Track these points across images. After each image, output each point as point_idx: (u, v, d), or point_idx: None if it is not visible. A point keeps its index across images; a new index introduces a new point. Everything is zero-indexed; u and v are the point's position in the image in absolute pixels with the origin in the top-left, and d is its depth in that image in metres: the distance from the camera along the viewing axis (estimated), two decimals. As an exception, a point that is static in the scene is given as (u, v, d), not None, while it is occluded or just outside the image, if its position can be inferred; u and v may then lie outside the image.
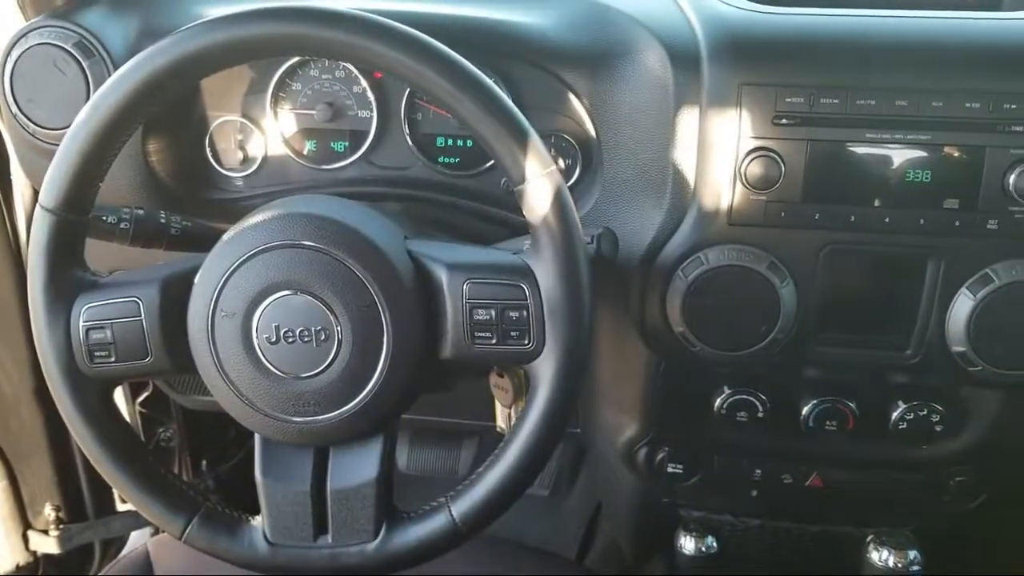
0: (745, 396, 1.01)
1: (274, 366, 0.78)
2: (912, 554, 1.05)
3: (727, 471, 1.12)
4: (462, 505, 0.80)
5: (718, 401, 1.03)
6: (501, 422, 1.06)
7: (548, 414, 0.78)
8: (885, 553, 1.05)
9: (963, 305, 0.88)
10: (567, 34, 1.00)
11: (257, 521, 0.84)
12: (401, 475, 1.71)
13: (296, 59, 1.04)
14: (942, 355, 0.91)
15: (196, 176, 1.09)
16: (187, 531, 0.83)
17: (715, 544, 1.16)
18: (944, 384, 0.98)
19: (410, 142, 1.05)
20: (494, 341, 0.78)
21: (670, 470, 1.12)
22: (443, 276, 0.78)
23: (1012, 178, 0.85)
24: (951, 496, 1.08)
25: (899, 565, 1.05)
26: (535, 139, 0.76)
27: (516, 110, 0.76)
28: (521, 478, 0.80)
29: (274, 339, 0.77)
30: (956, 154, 0.86)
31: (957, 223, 0.87)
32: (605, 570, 1.56)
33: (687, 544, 1.16)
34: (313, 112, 1.06)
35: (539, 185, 0.75)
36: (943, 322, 0.90)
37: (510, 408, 1.01)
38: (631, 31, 0.97)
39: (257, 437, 0.83)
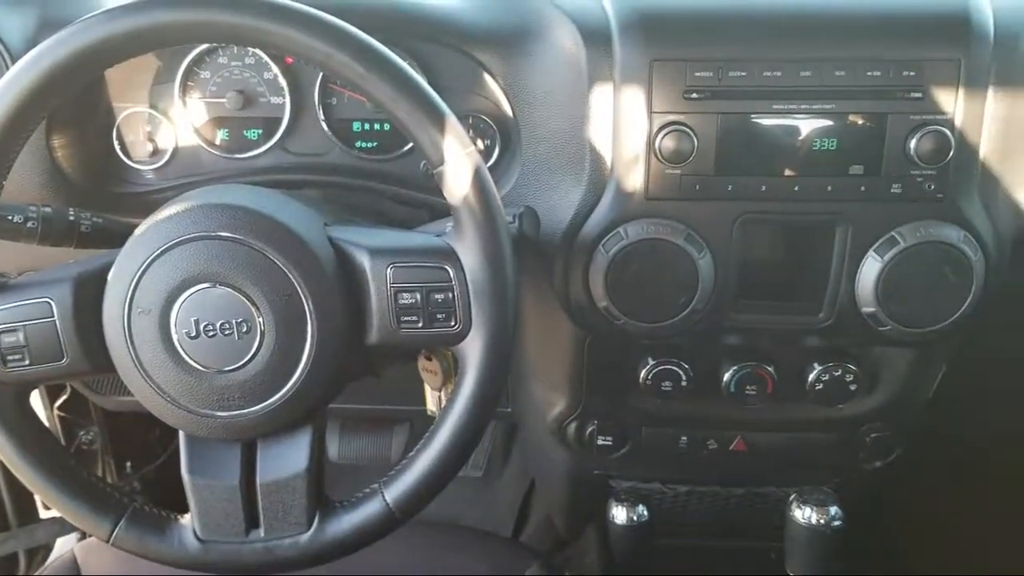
0: (669, 366, 1.04)
1: (195, 361, 0.76)
2: (833, 510, 1.09)
3: (654, 441, 1.14)
4: (395, 490, 0.80)
5: (643, 373, 1.05)
6: (431, 405, 1.06)
7: (477, 394, 0.78)
8: (807, 510, 1.09)
9: (871, 267, 0.92)
10: (479, 14, 1.00)
11: (186, 519, 0.83)
12: (333, 465, 1.69)
13: (204, 46, 1.02)
14: (853, 317, 0.95)
15: (104, 170, 1.06)
16: (114, 533, 0.81)
17: (646, 512, 1.18)
18: (856, 345, 1.02)
19: (325, 128, 1.04)
20: (420, 324, 0.78)
21: (599, 443, 1.14)
22: (366, 261, 0.78)
23: (913, 143, 0.88)
24: (867, 453, 1.12)
25: (821, 521, 1.08)
26: (452, 120, 0.75)
27: (431, 91, 0.75)
28: (453, 459, 0.80)
29: (194, 334, 0.76)
30: (860, 122, 0.89)
31: (863, 188, 0.90)
32: (540, 545, 1.58)
33: (619, 514, 1.19)
34: (223, 100, 1.03)
35: (458, 166, 0.75)
36: (853, 285, 0.93)
37: (440, 391, 1.01)
38: (543, 10, 0.97)
39: (182, 434, 0.81)
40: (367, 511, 0.81)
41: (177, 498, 0.84)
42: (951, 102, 0.87)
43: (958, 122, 0.88)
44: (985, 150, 0.90)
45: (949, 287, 0.91)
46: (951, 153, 0.88)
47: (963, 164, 0.89)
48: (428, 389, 1.05)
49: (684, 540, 1.36)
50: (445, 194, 0.77)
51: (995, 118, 0.89)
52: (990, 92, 0.88)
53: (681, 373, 1.04)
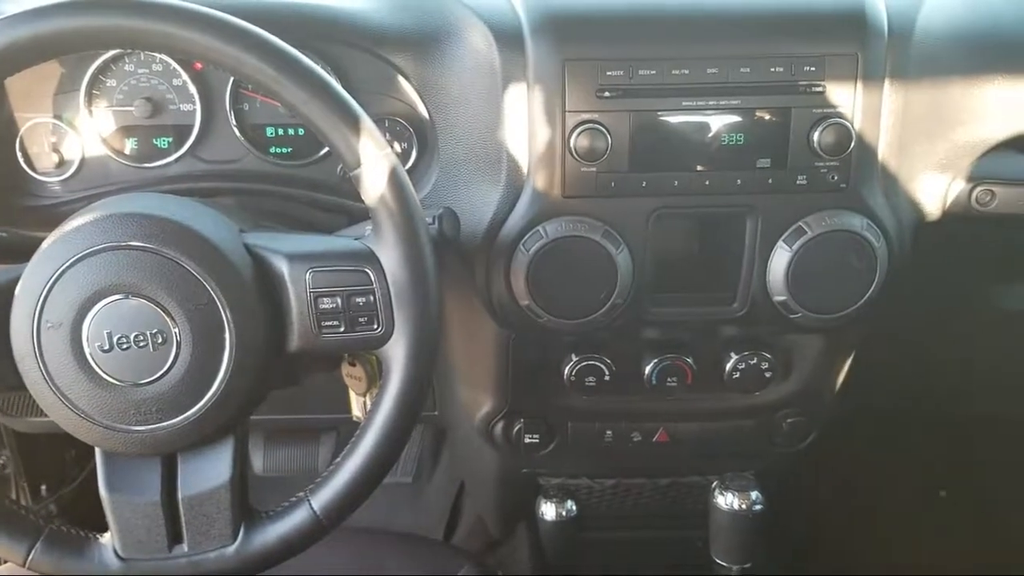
0: (592, 362, 1.05)
1: (109, 375, 0.74)
2: (754, 494, 1.12)
3: (581, 436, 1.16)
4: (322, 497, 0.80)
5: (567, 369, 1.06)
6: (357, 411, 1.06)
7: (402, 397, 0.78)
8: (730, 496, 1.12)
9: (781, 257, 0.95)
10: (391, 16, 1.00)
11: (106, 538, 0.81)
12: (260, 479, 1.66)
13: (110, 53, 0.99)
14: (766, 306, 0.98)
15: (8, 183, 1.02)
16: (31, 556, 0.79)
17: (574, 508, 1.20)
18: (770, 333, 1.05)
19: (238, 134, 1.02)
20: (342, 329, 0.78)
21: (527, 441, 1.15)
22: (284, 267, 0.77)
23: (816, 135, 0.91)
24: (784, 438, 1.16)
25: (743, 506, 1.11)
26: (367, 122, 0.75)
27: (345, 94, 0.75)
28: (379, 464, 0.80)
29: (107, 347, 0.74)
30: (765, 116, 0.92)
31: (770, 181, 0.93)
32: (472, 547, 1.59)
33: (547, 511, 1.20)
34: (131, 108, 1.01)
35: (375, 168, 0.75)
36: (764, 275, 0.96)
37: (365, 396, 1.01)
38: (455, 11, 0.98)
39: (98, 451, 0.79)
40: (293, 520, 0.80)
41: (97, 518, 0.81)
42: (850, 95, 0.91)
43: (858, 115, 0.91)
44: (884, 141, 0.94)
45: (854, 274, 0.94)
46: (852, 145, 0.91)
47: (864, 155, 0.93)
48: (353, 395, 1.04)
49: (613, 533, 1.38)
50: (363, 197, 0.77)
51: (892, 110, 0.93)
52: (886, 85, 0.92)
53: (604, 368, 1.05)
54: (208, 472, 0.80)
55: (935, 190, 0.97)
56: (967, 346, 1.22)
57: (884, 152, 0.94)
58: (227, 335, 0.75)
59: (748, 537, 1.13)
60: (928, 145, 0.95)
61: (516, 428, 1.15)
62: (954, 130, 0.95)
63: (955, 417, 1.53)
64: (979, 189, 0.95)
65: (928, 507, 1.71)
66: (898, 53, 0.93)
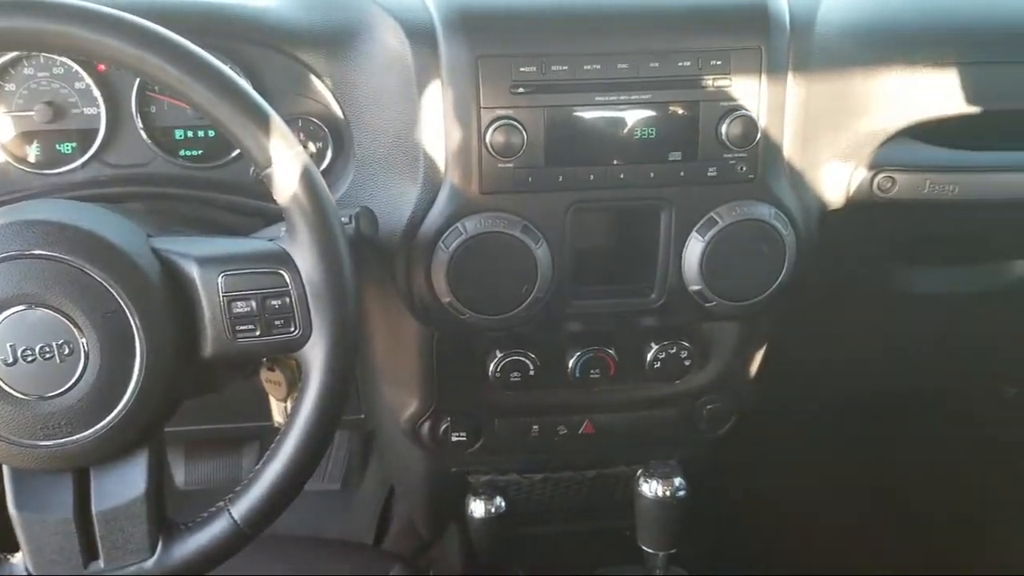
0: (516, 357, 1.06)
1: (14, 389, 0.72)
2: (677, 481, 1.14)
3: (508, 431, 1.16)
4: (242, 506, 0.78)
5: (492, 365, 1.06)
6: (278, 417, 1.03)
7: (322, 400, 0.77)
8: (654, 484, 1.14)
9: (694, 247, 0.97)
10: (300, 14, 0.99)
11: (17, 558, 0.78)
12: (183, 493, 1.62)
13: (7, 57, 0.96)
14: (682, 295, 1.00)
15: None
16: None
17: (503, 504, 1.20)
18: (688, 322, 1.07)
19: (145, 137, 0.99)
20: (258, 333, 0.77)
21: (454, 439, 1.15)
22: (195, 271, 0.76)
23: (724, 128, 0.93)
24: (705, 424, 1.18)
25: (667, 493, 1.14)
26: (276, 120, 0.74)
27: (252, 92, 0.74)
28: (301, 468, 0.79)
29: (11, 360, 0.71)
30: (675, 110, 0.94)
31: (682, 173, 0.95)
32: (403, 549, 1.58)
33: (477, 508, 1.20)
34: (32, 113, 0.97)
35: (286, 167, 0.74)
36: (680, 265, 0.98)
37: (285, 401, 0.99)
38: (366, 9, 0.97)
39: (6, 468, 0.76)
40: (214, 530, 0.78)
41: (6, 537, 0.78)
42: (755, 89, 0.93)
43: (763, 107, 0.94)
44: (789, 132, 0.97)
45: (765, 261, 0.97)
46: (759, 136, 0.94)
47: (770, 146, 0.95)
48: (273, 401, 1.02)
49: (543, 527, 1.39)
50: (275, 197, 0.76)
51: (796, 102, 0.96)
52: (790, 78, 0.95)
53: (528, 363, 1.06)
54: (122, 485, 0.78)
55: (839, 178, 1.00)
56: (874, 329, 1.27)
57: (789, 143, 0.97)
58: (137, 343, 0.73)
59: (673, 523, 1.15)
60: (831, 135, 0.99)
61: (443, 427, 1.15)
62: (855, 120, 0.99)
63: (864, 397, 1.59)
64: (880, 176, 0.99)
65: (843, 485, 1.77)
66: (800, 47, 0.95)
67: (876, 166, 0.99)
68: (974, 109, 0.99)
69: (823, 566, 1.64)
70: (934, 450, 1.81)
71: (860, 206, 1.01)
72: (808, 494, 1.75)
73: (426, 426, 1.15)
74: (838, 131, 0.99)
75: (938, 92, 0.99)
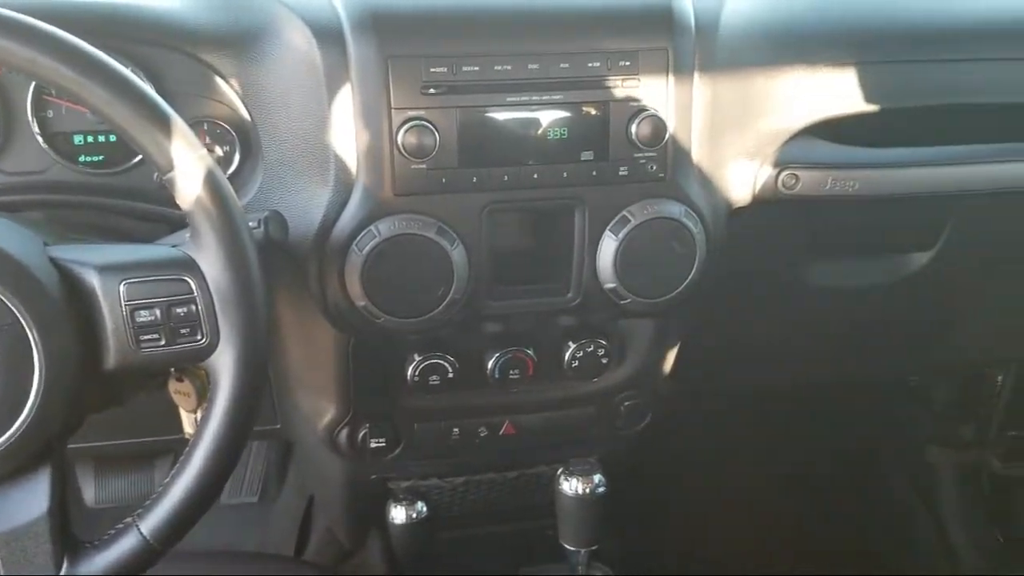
0: (435, 360, 1.05)
1: None
2: (597, 477, 1.15)
3: (428, 436, 1.15)
4: (152, 521, 0.76)
5: (410, 369, 1.05)
6: (189, 429, 1.00)
7: (232, 408, 0.76)
8: (574, 481, 1.15)
9: (608, 246, 0.98)
10: (204, 15, 0.97)
11: None
12: (93, 511, 1.57)
13: None
14: (598, 294, 1.01)
15: None
16: None
17: (425, 509, 1.20)
18: (604, 320, 1.09)
19: (42, 142, 0.95)
20: (163, 342, 0.75)
21: (373, 445, 1.14)
22: (95, 280, 0.73)
23: (634, 128, 0.95)
24: (623, 421, 1.20)
25: (586, 490, 1.14)
26: (177, 122, 0.72)
27: (152, 94, 0.72)
28: (212, 480, 0.76)
29: None
30: (586, 110, 0.94)
31: (594, 173, 0.96)
32: (324, 560, 1.55)
33: (398, 514, 1.19)
34: None
35: (188, 170, 0.72)
36: (594, 263, 0.99)
37: (195, 412, 0.96)
38: (272, 9, 0.95)
39: None
40: (122, 547, 0.75)
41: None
42: (663, 89, 0.95)
43: (671, 107, 0.95)
44: (697, 131, 0.98)
45: (676, 258, 0.99)
46: (667, 136, 0.95)
47: (679, 145, 0.97)
48: (183, 412, 0.99)
49: (466, 531, 1.38)
50: (178, 201, 0.74)
51: (703, 102, 0.98)
52: (696, 78, 0.97)
53: (447, 366, 1.05)
54: (23, 504, 0.74)
55: (745, 176, 1.02)
56: (784, 322, 1.30)
57: (697, 142, 0.99)
58: (35, 356, 0.70)
59: (593, 520, 1.16)
60: (737, 134, 1.01)
61: (361, 434, 1.13)
62: (759, 119, 1.01)
63: (777, 390, 1.63)
64: (784, 173, 1.02)
65: (759, 477, 1.82)
66: (705, 48, 0.97)
67: (780, 164, 1.02)
68: (872, 107, 1.03)
69: (743, 556, 1.68)
70: (846, 440, 1.87)
71: (766, 203, 1.03)
72: (726, 486, 1.79)
73: (344, 433, 1.13)
74: (744, 130, 1.01)
75: (838, 91, 1.02)
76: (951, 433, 1.72)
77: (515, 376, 1.08)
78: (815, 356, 1.40)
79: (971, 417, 1.68)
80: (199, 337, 0.75)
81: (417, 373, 1.05)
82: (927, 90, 1.05)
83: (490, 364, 1.07)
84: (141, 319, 0.73)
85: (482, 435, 1.17)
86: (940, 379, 1.71)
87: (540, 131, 0.94)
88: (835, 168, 1.02)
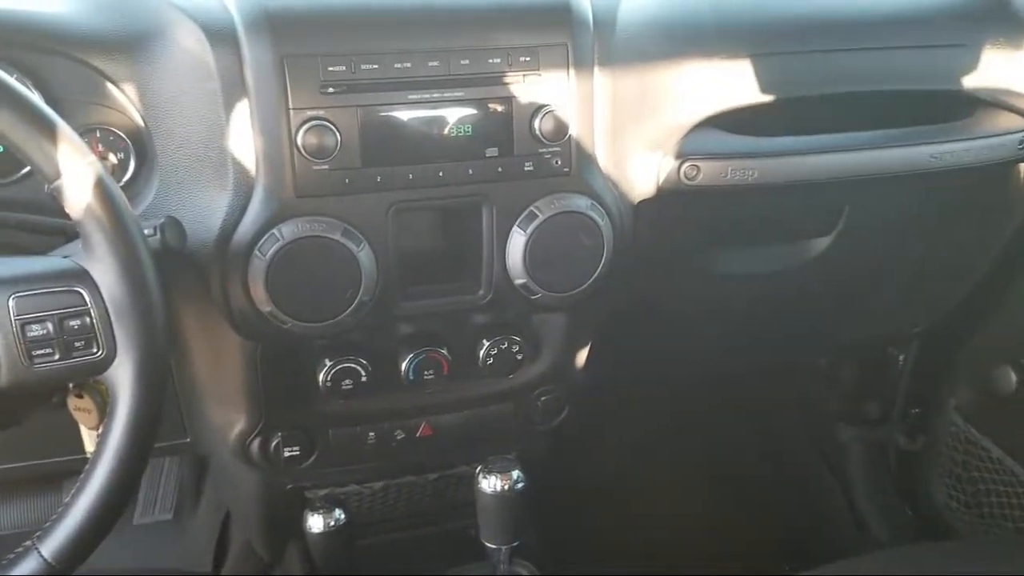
0: (347, 364, 1.03)
1: None
2: (515, 474, 1.15)
3: (343, 441, 1.14)
4: (53, 542, 0.73)
5: (322, 375, 1.04)
6: (91, 447, 0.97)
7: (133, 422, 0.73)
8: (493, 479, 1.14)
9: (517, 242, 0.98)
10: (90, 19, 0.93)
11: None
12: None
13: None
14: (509, 290, 1.01)
15: None
16: None
17: (343, 516, 1.18)
18: (517, 316, 1.09)
19: None
20: (57, 357, 0.72)
21: (287, 454, 1.12)
22: None
23: (537, 123, 0.95)
24: (541, 416, 1.20)
25: (506, 487, 1.14)
26: (64, 129, 0.70)
27: (35, 100, 0.69)
28: (114, 497, 0.74)
29: None
30: (489, 107, 0.94)
31: (500, 169, 0.96)
32: (242, 574, 1.51)
33: (315, 523, 1.17)
34: None
35: (77, 178, 0.69)
36: (504, 260, 0.99)
37: (97, 429, 0.93)
38: (161, 11, 0.93)
39: None
40: (22, 570, 0.73)
41: None
42: (564, 84, 0.96)
43: (572, 101, 0.96)
44: (599, 125, 0.99)
45: (585, 251, 1.00)
46: (570, 130, 0.96)
47: (582, 139, 0.98)
48: (84, 430, 0.96)
49: (388, 536, 1.37)
50: (67, 210, 0.71)
51: (604, 96, 0.99)
52: (596, 72, 0.98)
53: (360, 369, 1.04)
54: None
55: (649, 168, 1.04)
56: (695, 311, 1.32)
57: (601, 135, 1.00)
58: None
59: (513, 516, 1.16)
60: (639, 127, 1.02)
61: (274, 443, 1.11)
62: (660, 112, 1.03)
63: (691, 379, 1.66)
64: (686, 165, 1.03)
65: (676, 464, 1.85)
66: (604, 43, 0.98)
67: (682, 155, 1.03)
68: (768, 98, 1.05)
69: (664, 544, 1.70)
70: (760, 424, 1.92)
71: (670, 194, 1.05)
72: (645, 476, 1.82)
73: (256, 444, 1.11)
74: (645, 123, 1.02)
75: (735, 83, 1.04)
76: (858, 412, 1.78)
77: (430, 376, 1.07)
78: (726, 343, 1.43)
79: (876, 396, 1.74)
80: (95, 350, 0.72)
81: (329, 378, 1.03)
82: (819, 79, 1.08)
83: (404, 365, 1.06)
84: (32, 333, 0.71)
85: (399, 438, 1.16)
86: (846, 360, 1.76)
87: (444, 128, 0.94)
88: (734, 158, 1.04)
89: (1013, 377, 1.40)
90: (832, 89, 1.08)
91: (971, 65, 1.12)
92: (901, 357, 1.68)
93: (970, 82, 1.12)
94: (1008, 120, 1.15)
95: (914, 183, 1.13)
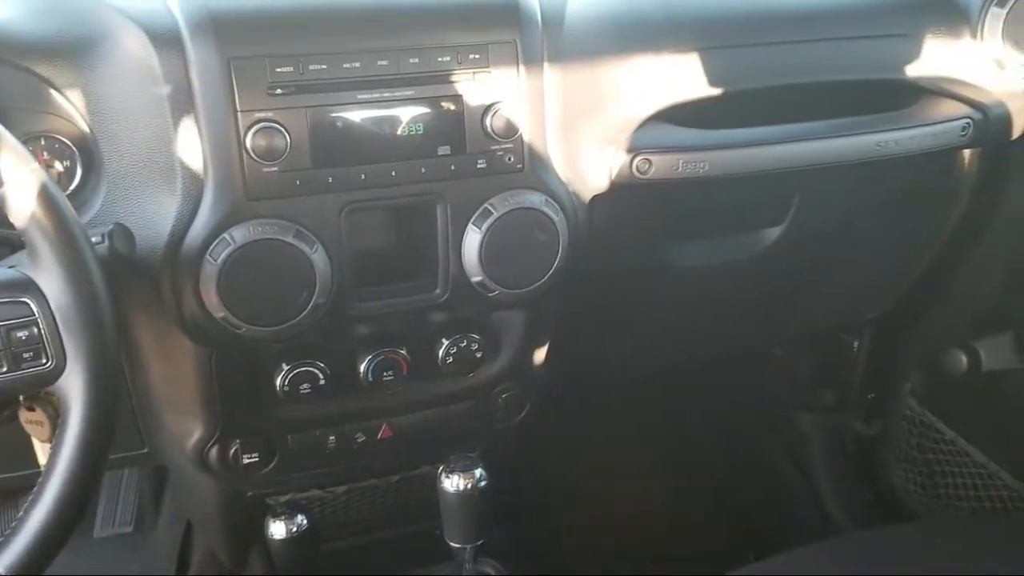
0: (305, 368, 1.03)
1: None
2: (478, 472, 1.14)
3: (303, 446, 1.13)
4: (7, 557, 0.72)
5: (279, 379, 1.03)
6: (44, 460, 0.95)
7: (85, 433, 0.72)
8: (455, 478, 1.14)
9: (472, 239, 0.98)
10: (32, 25, 0.91)
11: None
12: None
13: None
14: (466, 288, 1.01)
15: None
16: None
17: (305, 521, 1.17)
18: (475, 314, 1.09)
19: None
20: (5, 369, 0.71)
21: (246, 461, 1.11)
22: None
23: (489, 120, 0.95)
24: (502, 413, 1.20)
25: (468, 485, 1.14)
26: (6, 137, 0.68)
27: None
28: (70, 510, 0.73)
29: None
30: (440, 105, 0.94)
31: (453, 167, 0.96)
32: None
33: (277, 530, 1.16)
34: None
35: (19, 185, 0.68)
36: (460, 258, 0.99)
37: (50, 441, 0.91)
38: (104, 16, 0.91)
39: None
40: None
41: None
42: (515, 81, 0.96)
43: (523, 98, 0.96)
44: (551, 121, 1.00)
45: (540, 247, 1.00)
46: (522, 127, 0.96)
47: (534, 136, 0.98)
48: (37, 443, 0.94)
49: (352, 540, 1.36)
50: (11, 219, 0.69)
51: (554, 92, 0.99)
52: (546, 69, 0.98)
53: (318, 372, 1.03)
54: None
55: (601, 163, 1.04)
56: (652, 304, 1.33)
57: (552, 132, 1.00)
58: None
59: (477, 515, 1.16)
60: (590, 123, 1.03)
61: (233, 450, 1.10)
62: (611, 107, 1.03)
63: (649, 371, 1.67)
64: (638, 159, 1.04)
65: (640, 457, 1.86)
66: (553, 39, 0.99)
67: (633, 149, 1.04)
68: (717, 91, 1.06)
69: (629, 536, 1.71)
70: (720, 415, 1.94)
71: (623, 188, 1.05)
72: (609, 470, 1.83)
73: (214, 451, 1.10)
74: (596, 118, 1.03)
75: (684, 77, 1.05)
76: (816, 400, 1.80)
77: (389, 378, 1.06)
78: (684, 335, 1.45)
79: (832, 383, 1.77)
80: (44, 361, 0.71)
81: (286, 383, 1.02)
82: (766, 72, 1.09)
83: (363, 367, 1.06)
84: None
85: (360, 441, 1.15)
86: (802, 349, 1.79)
87: (395, 128, 0.94)
88: (685, 151, 1.05)
89: (964, 360, 1.43)
90: (779, 81, 1.10)
91: (914, 54, 1.14)
92: (855, 344, 1.70)
93: (913, 71, 1.14)
94: (951, 107, 1.17)
95: (861, 171, 1.15)
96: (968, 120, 1.16)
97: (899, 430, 1.66)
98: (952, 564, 1.07)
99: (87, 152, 0.94)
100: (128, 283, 0.91)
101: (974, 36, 1.15)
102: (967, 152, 1.28)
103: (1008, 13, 1.13)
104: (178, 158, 0.90)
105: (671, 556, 1.59)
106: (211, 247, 0.89)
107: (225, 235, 0.89)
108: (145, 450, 1.21)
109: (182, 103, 0.88)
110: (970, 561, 1.09)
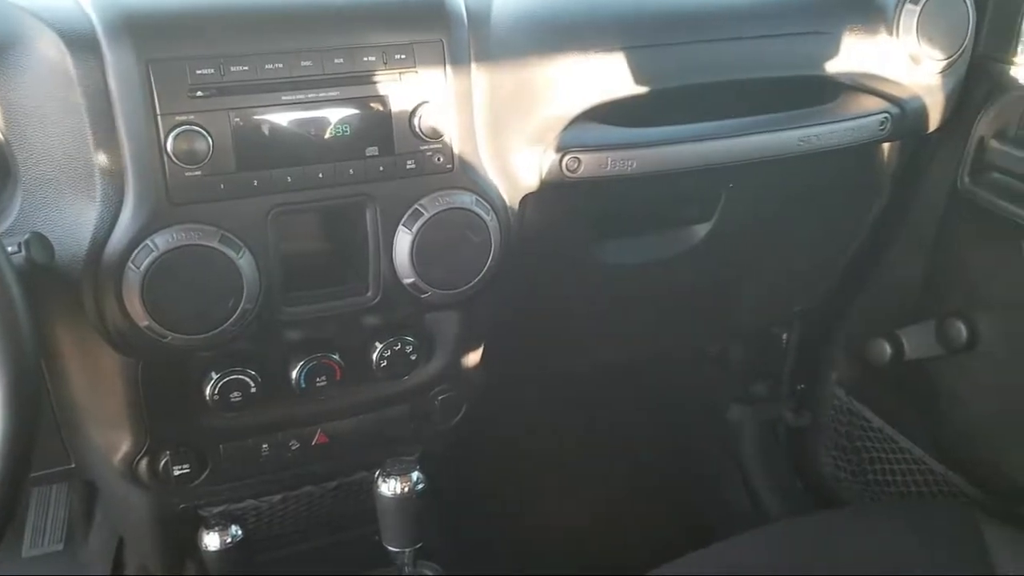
0: (235, 376, 1.01)
1: None
2: (415, 475, 1.13)
3: (235, 455, 1.11)
4: None
5: (208, 388, 1.00)
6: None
7: (4, 450, 0.69)
8: (392, 482, 1.12)
9: (403, 241, 0.97)
10: None
11: None
12: None
13: None
14: (398, 290, 1.00)
15: None
16: None
17: (240, 532, 1.14)
18: (408, 316, 1.08)
19: None
20: None
21: (177, 473, 1.08)
22: None
23: (417, 120, 0.95)
24: (439, 415, 1.20)
25: (405, 489, 1.13)
26: None
27: None
28: None
29: None
30: (366, 106, 0.93)
31: (381, 168, 0.95)
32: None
33: (210, 541, 1.13)
34: None
35: None
36: (391, 259, 0.98)
37: (-32, 460, 0.88)
38: (16, 19, 0.88)
39: None
40: None
41: None
42: (442, 80, 0.95)
43: (451, 98, 0.96)
44: (479, 121, 1.00)
45: (472, 247, 1.00)
46: (450, 127, 0.96)
47: (463, 135, 0.98)
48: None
49: (290, 549, 1.34)
50: None
51: (482, 92, 0.99)
52: (473, 69, 0.98)
53: (249, 380, 1.01)
54: None
55: (531, 162, 1.05)
56: (586, 304, 1.34)
57: (481, 131, 1.00)
58: None
59: (414, 518, 1.15)
60: (519, 122, 1.03)
61: (163, 462, 1.07)
62: (539, 106, 1.04)
63: (586, 369, 1.69)
64: (567, 158, 1.05)
65: (579, 456, 1.87)
66: (479, 39, 0.99)
67: (563, 148, 1.05)
68: (643, 89, 1.08)
69: (569, 535, 1.72)
70: (658, 410, 1.96)
71: (553, 187, 1.06)
72: (548, 469, 1.83)
73: (143, 464, 1.07)
74: (525, 118, 1.03)
75: (610, 76, 1.06)
76: (748, 392, 1.84)
77: (322, 383, 1.05)
78: (619, 333, 1.46)
79: (764, 375, 1.81)
80: None
81: (216, 391, 1.00)
82: (690, 70, 1.11)
83: (295, 373, 1.04)
84: None
85: (294, 448, 1.13)
86: (734, 343, 1.82)
87: (321, 129, 0.92)
88: (613, 149, 1.06)
89: (888, 349, 1.47)
90: (704, 78, 1.12)
91: (833, 51, 1.17)
92: (784, 336, 1.74)
93: (833, 67, 1.17)
94: (870, 102, 1.21)
95: (785, 167, 1.18)
96: (886, 114, 1.20)
97: (828, 419, 1.70)
98: (880, 547, 1.10)
99: (2, 161, 0.91)
100: (48, 293, 0.89)
101: (890, 33, 1.18)
102: (886, 145, 1.32)
103: (921, 10, 1.17)
104: (97, 164, 0.87)
105: (610, 552, 1.59)
106: (133, 254, 0.87)
107: (148, 241, 0.87)
108: (72, 465, 1.17)
109: (100, 108, 0.86)
110: (898, 543, 1.12)
